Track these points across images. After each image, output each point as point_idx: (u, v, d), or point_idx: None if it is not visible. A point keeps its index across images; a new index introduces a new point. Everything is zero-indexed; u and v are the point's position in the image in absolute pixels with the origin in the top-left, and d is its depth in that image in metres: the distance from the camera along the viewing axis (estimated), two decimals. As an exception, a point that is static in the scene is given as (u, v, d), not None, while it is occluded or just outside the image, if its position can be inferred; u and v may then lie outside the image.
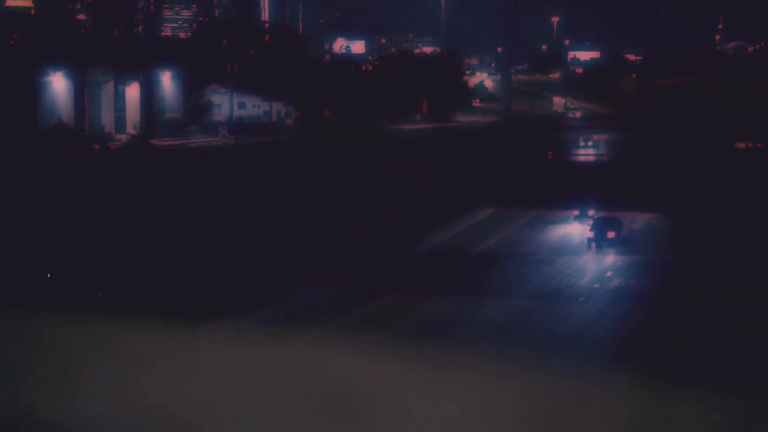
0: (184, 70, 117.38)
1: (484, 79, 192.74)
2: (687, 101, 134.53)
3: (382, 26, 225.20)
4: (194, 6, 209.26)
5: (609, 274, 62.36)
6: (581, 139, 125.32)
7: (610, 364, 39.15)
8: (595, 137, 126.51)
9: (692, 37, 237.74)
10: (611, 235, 70.61)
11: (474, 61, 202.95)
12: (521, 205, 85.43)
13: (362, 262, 61.59)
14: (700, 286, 53.44)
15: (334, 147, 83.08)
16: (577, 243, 71.58)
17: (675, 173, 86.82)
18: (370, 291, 55.21)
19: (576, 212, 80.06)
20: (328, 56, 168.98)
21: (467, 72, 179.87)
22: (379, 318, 49.37)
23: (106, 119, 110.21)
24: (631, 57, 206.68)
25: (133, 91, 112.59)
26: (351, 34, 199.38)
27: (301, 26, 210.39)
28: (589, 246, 69.78)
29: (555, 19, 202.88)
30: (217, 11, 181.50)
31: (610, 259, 67.05)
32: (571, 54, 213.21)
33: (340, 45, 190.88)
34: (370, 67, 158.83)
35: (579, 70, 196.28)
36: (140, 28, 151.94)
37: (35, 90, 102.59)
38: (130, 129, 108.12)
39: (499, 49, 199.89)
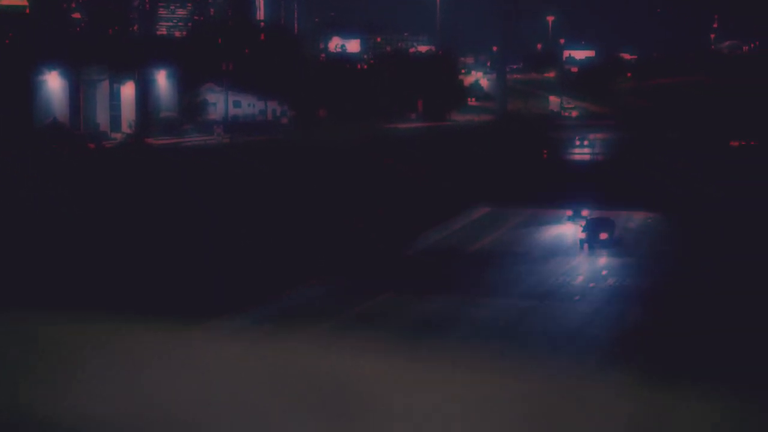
0: (179, 69, 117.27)
1: (479, 78, 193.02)
2: (682, 100, 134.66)
3: (377, 25, 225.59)
4: (189, 5, 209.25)
5: (604, 273, 62.36)
6: (577, 138, 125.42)
7: (609, 363, 39.13)
8: (591, 136, 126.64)
9: (687, 36, 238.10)
10: (604, 236, 70.39)
11: (469, 60, 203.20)
12: (517, 204, 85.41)
13: (357, 261, 61.55)
14: (697, 286, 53.43)
15: (330, 146, 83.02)
16: (570, 243, 71.56)
17: (671, 172, 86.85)
18: (365, 290, 55.16)
19: (569, 212, 79.98)
20: (323, 55, 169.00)
21: (462, 71, 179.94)
22: (375, 317, 49.32)
23: (102, 118, 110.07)
24: (626, 56, 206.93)
25: (128, 90, 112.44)
26: (346, 32, 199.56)
27: (296, 25, 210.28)
28: (582, 247, 69.58)
29: (550, 18, 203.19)
30: (212, 10, 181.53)
31: (605, 259, 67.03)
32: (566, 53, 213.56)
33: (335, 44, 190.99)
34: (366, 66, 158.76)
35: (574, 69, 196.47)
36: (135, 27, 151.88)
37: (30, 89, 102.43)
38: (126, 128, 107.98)
39: (495, 48, 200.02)
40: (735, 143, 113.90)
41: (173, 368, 6.15)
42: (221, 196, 63.06)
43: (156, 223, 56.35)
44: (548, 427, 5.13)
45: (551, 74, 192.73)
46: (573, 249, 69.80)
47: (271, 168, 73.27)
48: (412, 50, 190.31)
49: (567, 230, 76.42)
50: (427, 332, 45.62)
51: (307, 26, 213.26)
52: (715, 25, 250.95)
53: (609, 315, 50.58)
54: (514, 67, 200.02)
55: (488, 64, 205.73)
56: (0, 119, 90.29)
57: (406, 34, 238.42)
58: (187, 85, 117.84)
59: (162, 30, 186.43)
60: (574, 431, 5.10)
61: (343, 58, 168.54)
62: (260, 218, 62.85)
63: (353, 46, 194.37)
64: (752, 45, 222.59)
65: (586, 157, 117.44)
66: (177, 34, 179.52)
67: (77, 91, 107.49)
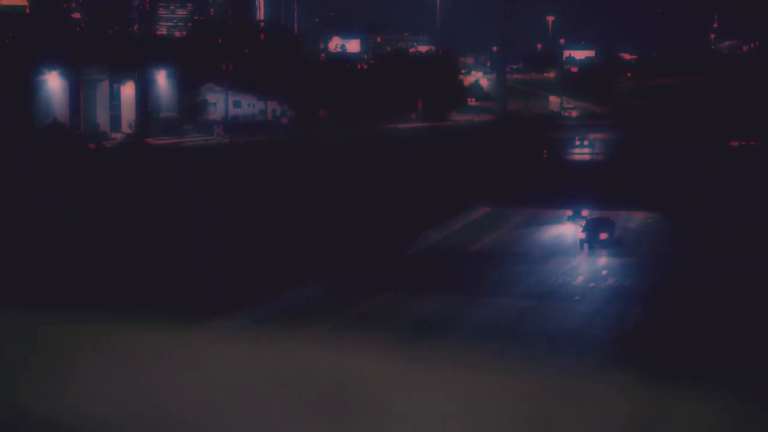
0: (179, 69, 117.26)
1: (479, 78, 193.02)
2: (682, 100, 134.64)
3: (377, 25, 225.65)
4: (189, 5, 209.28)
5: (604, 273, 62.34)
6: (577, 138, 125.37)
7: (608, 363, 39.12)
8: (591, 136, 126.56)
9: (687, 36, 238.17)
10: (604, 236, 70.30)
11: (469, 60, 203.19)
12: (516, 204, 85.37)
13: (357, 260, 61.52)
14: (696, 286, 53.41)
15: (329, 146, 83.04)
16: (570, 243, 71.53)
17: (670, 172, 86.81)
18: (364, 290, 55.11)
19: (569, 212, 79.91)
20: (323, 55, 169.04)
21: (462, 71, 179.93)
22: (374, 317, 49.29)
23: (102, 118, 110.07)
24: (626, 56, 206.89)
25: (128, 90, 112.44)
26: (346, 33, 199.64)
27: (296, 25, 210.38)
28: (581, 247, 69.49)
29: (550, 18, 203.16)
30: (212, 10, 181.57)
31: (605, 259, 67.01)
32: (566, 53, 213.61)
33: (335, 44, 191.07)
34: (365, 66, 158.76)
35: (574, 69, 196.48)
36: (135, 27, 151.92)
37: (30, 89, 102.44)
38: (126, 128, 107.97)
39: (495, 48, 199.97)
40: (735, 143, 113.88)
41: (173, 368, 6.16)
42: (221, 196, 63.06)
43: (155, 222, 56.35)
44: (548, 426, 5.13)
45: (551, 74, 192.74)
46: (573, 249, 69.76)
47: (271, 168, 73.27)
48: (412, 50, 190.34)
49: (567, 230, 76.38)
50: (426, 332, 45.58)
51: (307, 26, 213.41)
52: (714, 25, 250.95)
53: (609, 315, 50.55)
54: (514, 67, 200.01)
55: (488, 64, 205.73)
56: (0, 119, 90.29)
57: (406, 34, 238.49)
58: (187, 85, 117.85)
59: (162, 30, 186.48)
60: (574, 431, 5.10)
61: (343, 58, 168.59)
62: (260, 218, 62.85)
63: (353, 46, 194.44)
64: (752, 45, 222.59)
65: (586, 157, 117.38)
66: (177, 34, 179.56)
67: (77, 91, 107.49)
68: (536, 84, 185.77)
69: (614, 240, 70.70)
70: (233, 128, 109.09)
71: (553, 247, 70.96)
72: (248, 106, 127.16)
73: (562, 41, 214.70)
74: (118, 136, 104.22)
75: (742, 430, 4.98)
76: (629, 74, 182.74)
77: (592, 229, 70.83)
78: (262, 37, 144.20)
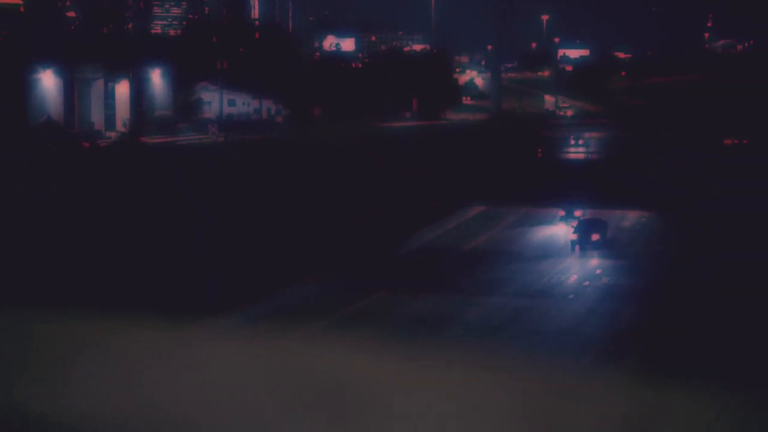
0: (174, 68, 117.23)
1: (474, 76, 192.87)
2: (676, 99, 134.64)
3: (372, 24, 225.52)
4: (184, 3, 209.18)
5: (598, 272, 62.38)
6: (571, 137, 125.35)
7: (603, 362, 39.16)
8: (586, 135, 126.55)
9: (682, 35, 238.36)
10: (595, 237, 70.08)
11: (464, 59, 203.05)
12: (511, 203, 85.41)
13: (352, 259, 61.56)
14: (691, 284, 53.44)
15: (324, 145, 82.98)
16: (564, 242, 71.51)
17: (665, 171, 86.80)
18: (359, 288, 55.17)
19: (562, 212, 79.80)
20: (318, 54, 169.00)
21: (457, 70, 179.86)
22: (369, 315, 49.34)
23: (96, 117, 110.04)
24: (621, 55, 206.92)
25: (122, 89, 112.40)
26: (341, 31, 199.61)
27: (290, 24, 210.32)
28: (573, 248, 69.23)
29: (545, 17, 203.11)
30: (207, 9, 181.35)
31: (599, 258, 67.00)
32: (561, 52, 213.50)
33: (330, 43, 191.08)
34: (360, 65, 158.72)
35: (569, 68, 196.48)
36: (130, 26, 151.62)
37: (25, 87, 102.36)
38: (120, 126, 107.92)
39: (489, 47, 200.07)
40: (728, 141, 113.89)
41: (168, 367, 6.15)
42: (216, 195, 63.04)
43: (151, 221, 56.33)
44: (543, 425, 5.13)
45: (546, 73, 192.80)
46: (567, 248, 69.78)
47: (265, 167, 73.24)
48: (406, 49, 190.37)
49: (561, 229, 76.40)
50: (421, 331, 45.63)
51: (302, 25, 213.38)
52: (709, 24, 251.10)
53: (603, 314, 50.61)
54: (509, 65, 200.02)
55: (483, 62, 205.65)
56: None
57: (401, 32, 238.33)
58: (181, 84, 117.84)
59: (157, 29, 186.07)
60: (569, 429, 5.10)
61: (338, 56, 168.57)
62: (255, 217, 62.85)
63: (348, 44, 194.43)
64: (746, 44, 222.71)
65: (581, 156, 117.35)
66: (172, 32, 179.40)
67: (72, 90, 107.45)
68: (531, 83, 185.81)
69: (606, 241, 70.51)
70: (228, 127, 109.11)
71: (548, 245, 71.02)
72: (243, 104, 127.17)
73: (556, 40, 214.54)
74: (112, 134, 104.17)
75: (742, 430, 4.99)
76: (624, 73, 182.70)
77: (584, 230, 70.58)
78: (257, 35, 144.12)
